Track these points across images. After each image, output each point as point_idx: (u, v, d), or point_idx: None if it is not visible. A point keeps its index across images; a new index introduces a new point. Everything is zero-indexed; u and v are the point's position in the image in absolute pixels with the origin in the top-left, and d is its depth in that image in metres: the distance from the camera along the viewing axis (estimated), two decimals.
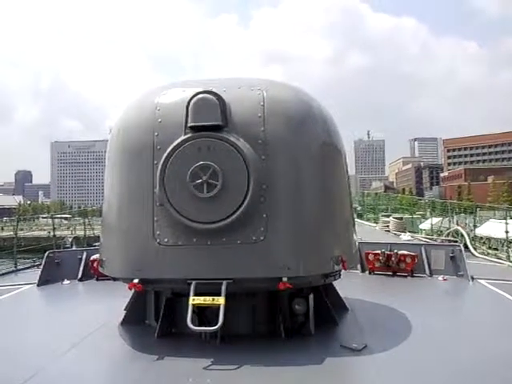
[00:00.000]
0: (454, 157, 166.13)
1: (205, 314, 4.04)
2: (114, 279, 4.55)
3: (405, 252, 7.96)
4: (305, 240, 4.10)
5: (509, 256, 13.81)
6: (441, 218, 22.04)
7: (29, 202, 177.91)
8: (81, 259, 8.13)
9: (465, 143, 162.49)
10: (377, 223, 23.33)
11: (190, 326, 3.78)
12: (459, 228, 17.18)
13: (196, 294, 3.88)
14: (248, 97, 4.15)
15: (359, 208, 30.64)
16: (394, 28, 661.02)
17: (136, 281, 4.05)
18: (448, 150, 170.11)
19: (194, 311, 3.90)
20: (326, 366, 3.68)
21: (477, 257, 12.61)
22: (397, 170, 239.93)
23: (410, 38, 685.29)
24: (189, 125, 4.01)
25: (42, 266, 8.12)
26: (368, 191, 54.15)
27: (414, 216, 26.02)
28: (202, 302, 3.87)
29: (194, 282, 3.93)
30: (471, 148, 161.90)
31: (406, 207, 30.38)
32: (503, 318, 5.42)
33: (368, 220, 27.38)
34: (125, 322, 4.86)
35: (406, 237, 16.74)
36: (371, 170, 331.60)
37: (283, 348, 4.08)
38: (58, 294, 7.37)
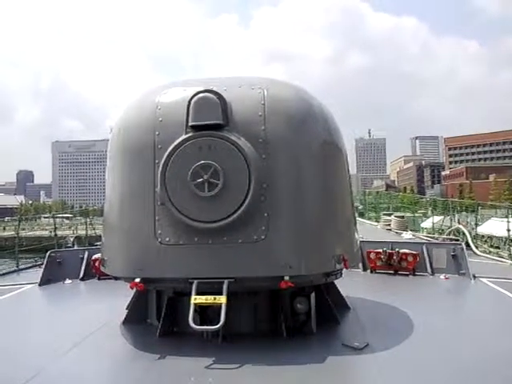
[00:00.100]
0: (456, 155, 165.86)
1: (206, 313, 4.03)
2: (116, 278, 4.55)
3: (406, 251, 7.95)
4: (306, 239, 4.10)
5: (510, 254, 13.81)
6: (442, 217, 22.01)
7: (30, 202, 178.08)
8: (82, 259, 8.14)
9: (466, 141, 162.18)
10: (378, 222, 23.34)
11: (192, 325, 3.78)
12: (461, 226, 17.18)
13: (198, 293, 3.88)
14: (249, 96, 4.14)
15: (361, 207, 30.63)
16: (394, 27, 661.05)
17: (138, 280, 4.05)
18: (449, 149, 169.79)
19: (195, 310, 3.89)
20: (327, 365, 3.68)
21: (478, 255, 12.61)
22: (398, 169, 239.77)
23: (410, 38, 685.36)
24: (190, 124, 4.00)
25: (43, 266, 8.13)
26: (369, 190, 54.06)
27: (416, 214, 26.01)
28: (204, 301, 3.87)
29: (195, 281, 3.93)
30: (472, 146, 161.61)
31: (407, 206, 30.36)
32: (505, 317, 5.41)
33: (369, 219, 27.39)
34: (126, 322, 4.86)
35: (407, 235, 16.75)
36: (372, 169, 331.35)
37: (285, 347, 4.08)
38: (60, 294, 7.38)
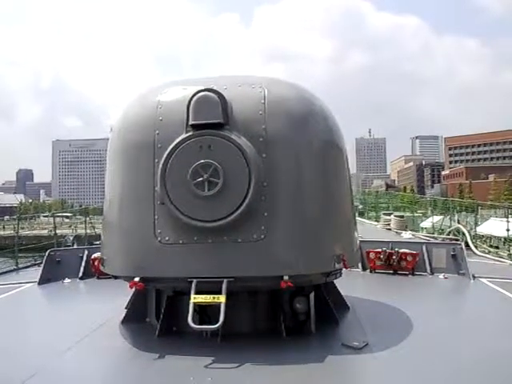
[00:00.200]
0: (456, 155, 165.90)
1: (206, 313, 4.04)
2: (115, 277, 4.54)
3: (406, 250, 7.93)
4: (306, 238, 4.09)
5: (510, 254, 13.83)
6: (442, 217, 22.02)
7: (30, 201, 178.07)
8: (82, 258, 8.11)
9: (466, 141, 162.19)
10: (378, 221, 23.36)
11: (191, 324, 3.78)
12: (460, 226, 17.19)
13: (197, 293, 3.88)
14: (249, 95, 4.13)
15: (360, 206, 30.66)
16: (395, 26, 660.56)
17: (137, 279, 4.04)
18: (449, 148, 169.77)
19: (195, 309, 3.89)
20: (326, 365, 3.67)
21: (478, 255, 12.60)
22: (398, 168, 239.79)
23: (410, 36, 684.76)
24: (190, 123, 3.99)
25: (42, 265, 8.11)
26: (369, 189, 54.09)
27: (416, 214, 26.02)
28: (203, 300, 3.87)
29: (194, 281, 3.92)
30: (473, 146, 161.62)
31: (407, 205, 30.36)
32: (504, 317, 5.41)
33: (369, 218, 27.43)
34: (126, 321, 4.86)
35: (407, 235, 16.77)
36: (372, 169, 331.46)
37: (284, 346, 4.08)
38: (59, 293, 7.37)
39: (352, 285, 5.99)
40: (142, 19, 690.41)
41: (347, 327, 4.80)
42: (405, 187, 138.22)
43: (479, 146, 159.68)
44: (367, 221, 25.71)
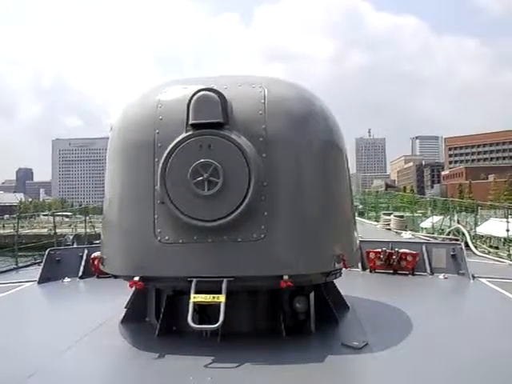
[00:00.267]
0: (455, 155, 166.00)
1: (206, 312, 4.03)
2: (115, 277, 4.54)
3: (406, 250, 7.93)
4: (306, 238, 4.09)
5: (509, 254, 13.84)
6: (442, 217, 22.02)
7: (30, 200, 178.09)
8: (82, 257, 8.11)
9: (466, 141, 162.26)
10: (378, 221, 23.34)
11: (191, 324, 3.77)
12: (460, 226, 17.17)
13: (197, 292, 3.87)
14: (249, 94, 4.13)
15: (360, 206, 30.64)
16: (394, 26, 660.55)
17: (137, 278, 4.04)
18: (449, 149, 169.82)
19: (194, 309, 3.89)
20: (326, 365, 3.67)
21: (478, 255, 12.59)
22: (398, 169, 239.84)
23: (410, 36, 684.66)
24: (190, 122, 3.99)
25: (42, 264, 8.10)
26: (369, 189, 54.07)
27: (415, 214, 26.00)
28: (203, 300, 3.86)
29: (194, 280, 3.92)
30: (472, 146, 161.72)
31: (407, 205, 30.34)
32: (504, 317, 5.41)
33: (369, 218, 27.39)
34: (125, 320, 4.85)
35: (407, 235, 16.74)
36: (372, 169, 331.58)
37: (284, 346, 4.08)
38: (59, 292, 7.37)
39: (352, 285, 5.98)
40: (142, 19, 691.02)
41: (347, 327, 4.80)
42: (404, 187, 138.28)
43: (479, 146, 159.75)
44: (367, 221, 25.68)
